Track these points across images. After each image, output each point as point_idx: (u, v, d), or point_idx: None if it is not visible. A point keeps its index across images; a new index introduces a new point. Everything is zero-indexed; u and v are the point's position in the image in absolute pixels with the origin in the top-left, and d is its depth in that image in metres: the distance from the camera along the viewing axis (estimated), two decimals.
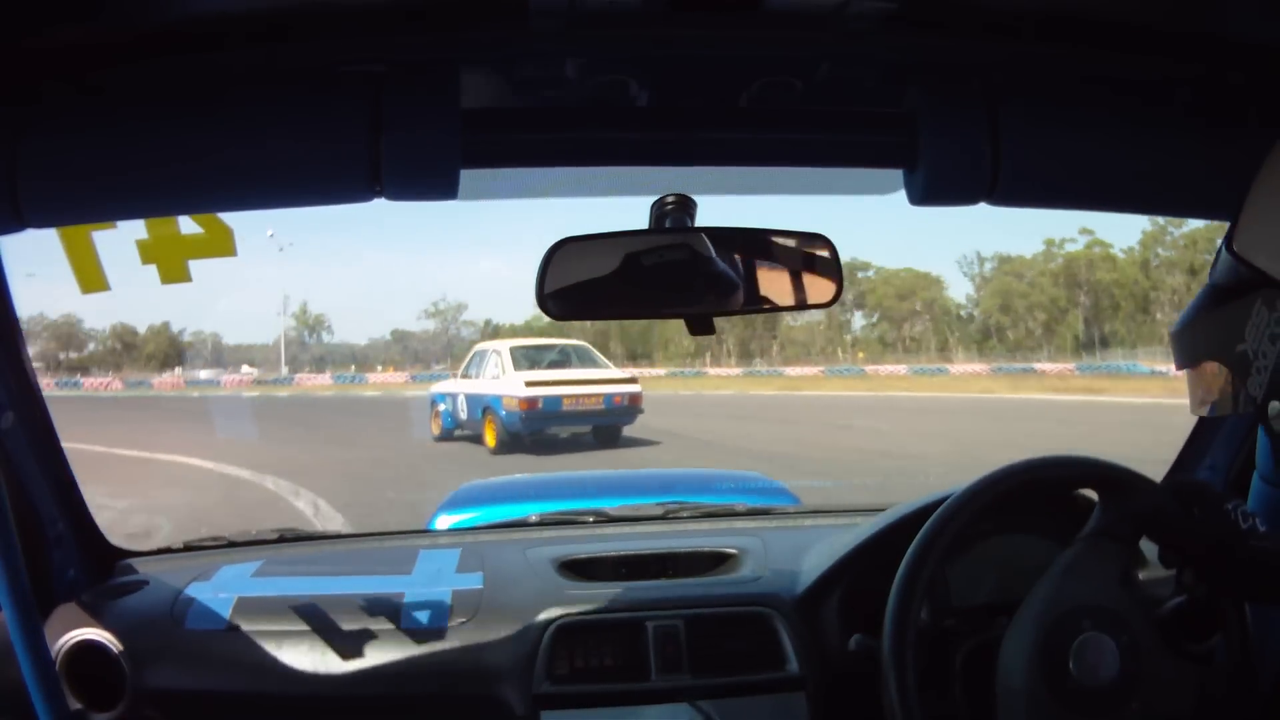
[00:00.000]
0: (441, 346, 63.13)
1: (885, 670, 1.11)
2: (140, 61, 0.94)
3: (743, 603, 1.50)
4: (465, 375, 13.98)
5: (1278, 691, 1.19)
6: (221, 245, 2.15)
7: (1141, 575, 1.45)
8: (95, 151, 0.94)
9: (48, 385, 44.25)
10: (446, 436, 13.88)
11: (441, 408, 14.20)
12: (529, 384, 12.15)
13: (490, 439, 12.47)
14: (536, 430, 12.22)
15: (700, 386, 34.75)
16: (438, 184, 0.97)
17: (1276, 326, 0.97)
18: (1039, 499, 1.39)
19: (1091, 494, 1.28)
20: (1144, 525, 1.14)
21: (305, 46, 0.95)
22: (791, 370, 45.12)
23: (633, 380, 13.33)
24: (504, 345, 14.20)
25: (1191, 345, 1.09)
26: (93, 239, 2.12)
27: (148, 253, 2.14)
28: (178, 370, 59.36)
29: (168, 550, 1.76)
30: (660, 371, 48.75)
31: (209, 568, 1.61)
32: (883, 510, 1.57)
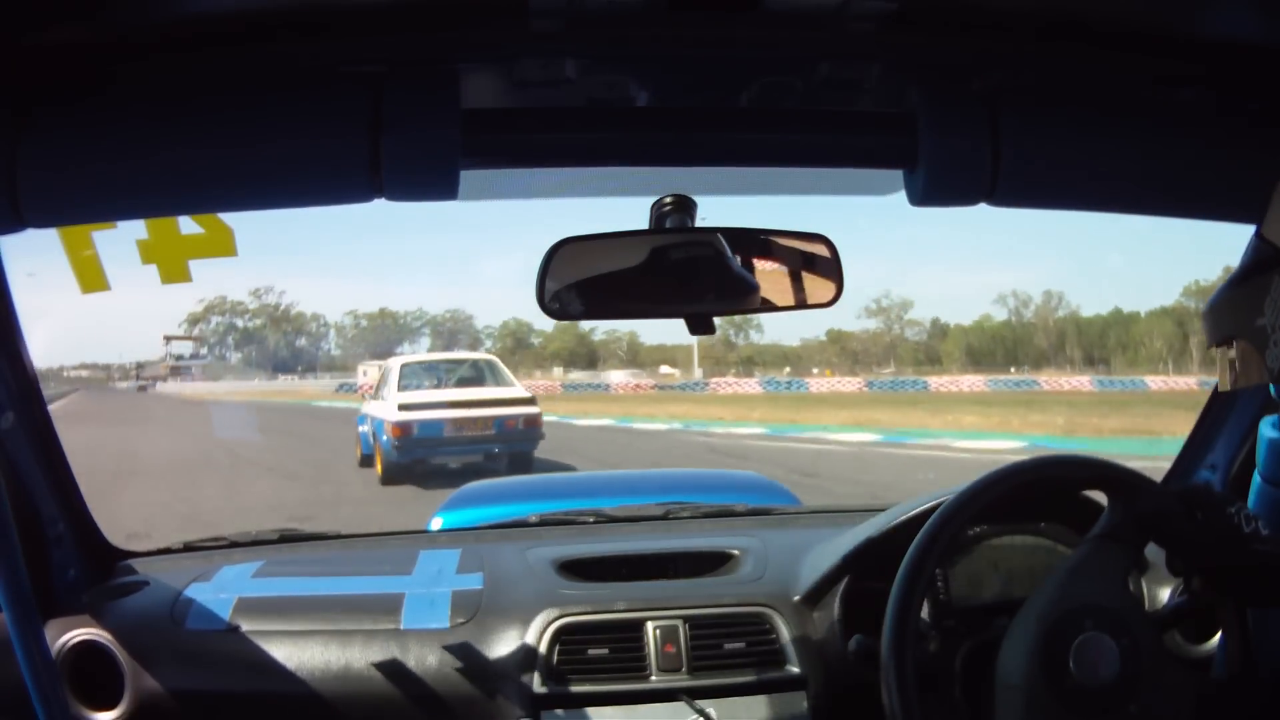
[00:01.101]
0: (883, 349, 58.13)
1: (885, 670, 1.10)
2: (140, 61, 0.94)
3: (743, 603, 1.50)
4: (376, 395, 12.08)
5: (1278, 691, 1.19)
6: (221, 245, 2.15)
7: (1143, 577, 1.45)
8: (95, 151, 0.94)
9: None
10: (368, 462, 11.77)
11: (362, 429, 12.26)
12: (401, 406, 10.49)
13: (379, 467, 10.88)
14: (417, 458, 10.53)
15: None
16: (438, 184, 0.97)
17: None
18: (1039, 500, 1.39)
19: (1093, 495, 1.28)
20: (1147, 528, 1.14)
21: (305, 46, 0.95)
22: None
23: (530, 400, 11.32)
24: (398, 361, 12.52)
25: (1217, 324, 1.10)
26: (93, 239, 2.12)
27: (148, 253, 2.14)
28: (557, 371, 54.26)
29: (168, 550, 1.76)
30: (1190, 380, 34.28)
31: (209, 568, 1.61)
32: (883, 510, 1.57)
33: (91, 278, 2.22)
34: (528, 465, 10.94)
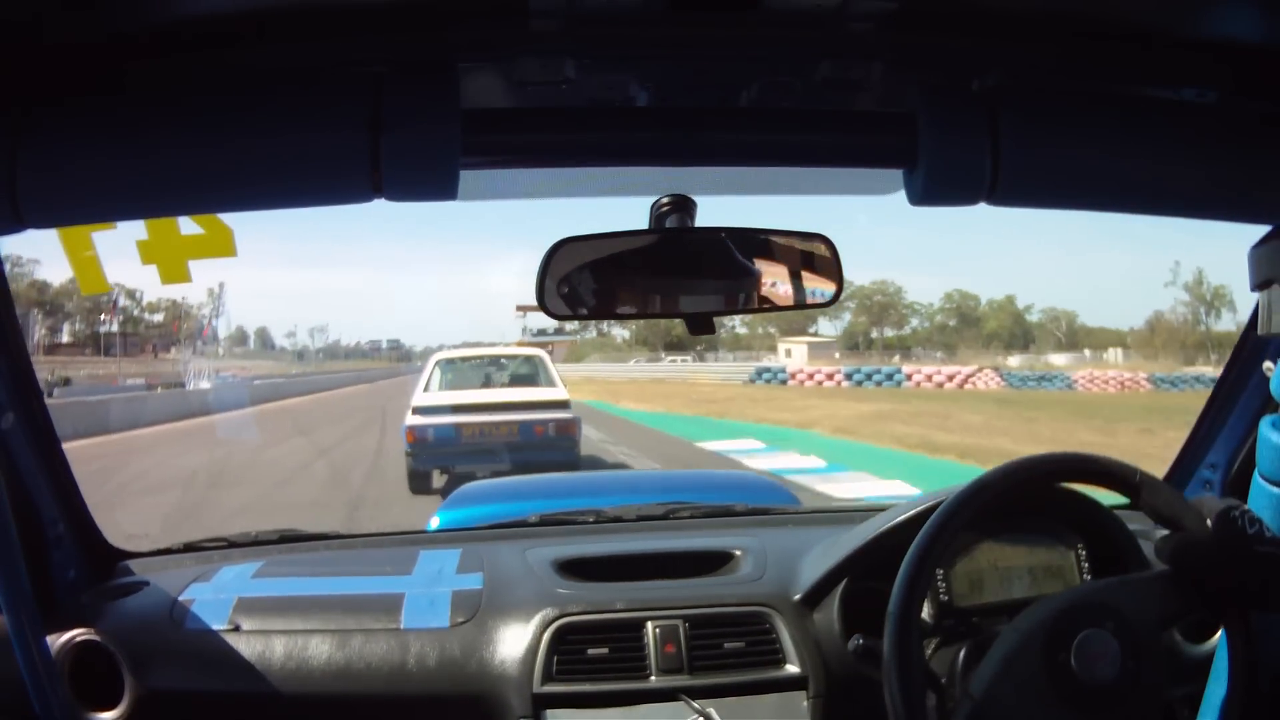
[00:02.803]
0: None
1: (887, 669, 1.10)
2: (140, 61, 0.94)
3: (743, 603, 1.50)
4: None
5: (1278, 691, 1.18)
6: (221, 245, 2.16)
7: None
8: (95, 151, 0.94)
9: (840, 379, 28.54)
10: None
11: None
12: (415, 409, 9.62)
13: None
14: (437, 466, 9.68)
15: None
16: (437, 184, 0.97)
17: None
18: (1040, 501, 1.39)
19: (1093, 495, 1.28)
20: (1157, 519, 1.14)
21: (305, 46, 0.95)
22: None
23: (563, 404, 10.01)
24: (434, 358, 11.30)
25: (1260, 266, 1.09)
26: (93, 239, 2.12)
27: (148, 253, 2.15)
28: (1008, 359, 42.07)
29: (168, 551, 1.76)
30: None
31: (209, 569, 1.62)
32: (883, 510, 1.57)
33: (92, 278, 2.22)
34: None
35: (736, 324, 58.90)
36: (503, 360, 11.77)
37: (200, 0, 0.91)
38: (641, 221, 1.17)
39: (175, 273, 2.22)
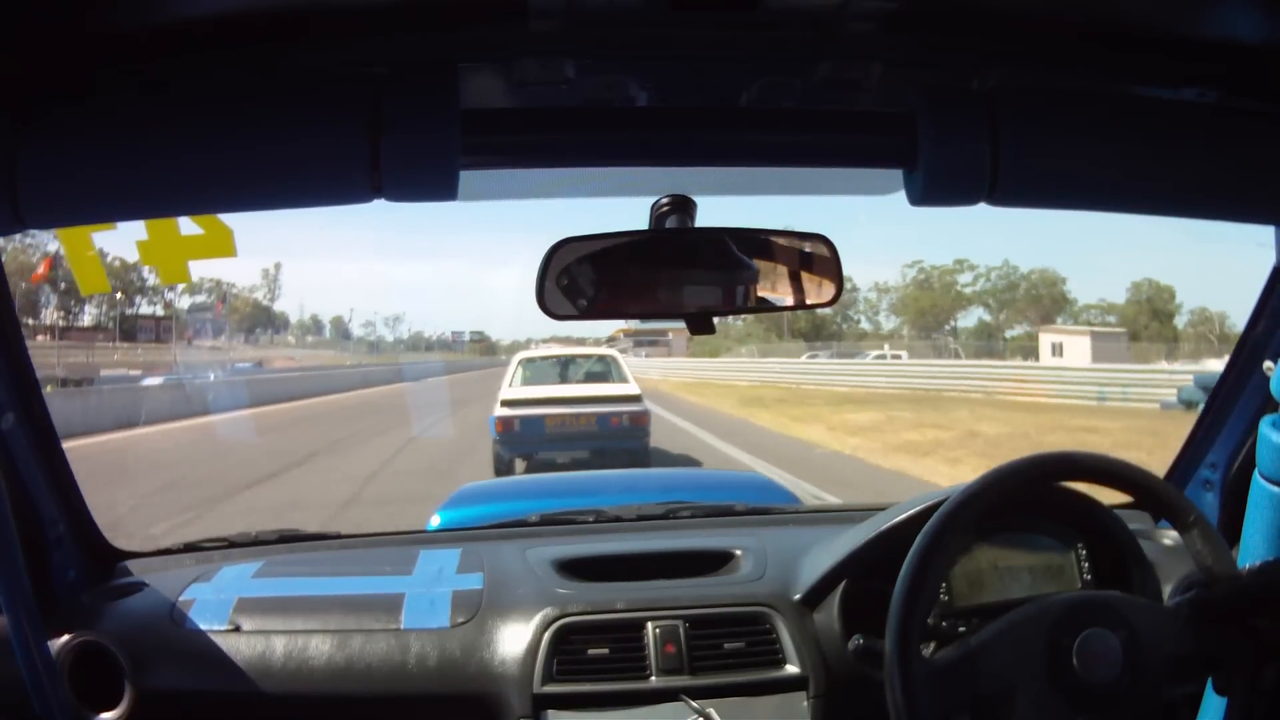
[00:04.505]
0: None
1: (890, 669, 1.10)
2: (140, 62, 0.94)
3: (743, 603, 1.50)
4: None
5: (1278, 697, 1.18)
6: (221, 245, 2.16)
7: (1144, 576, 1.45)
8: (95, 152, 0.94)
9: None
10: None
11: None
12: (504, 403, 10.58)
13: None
14: (521, 455, 10.62)
15: None
16: (437, 184, 0.97)
17: None
18: (1042, 500, 1.39)
19: (1092, 493, 1.27)
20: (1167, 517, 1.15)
21: (305, 47, 0.95)
22: None
23: (636, 398, 10.88)
24: (518, 356, 12.43)
25: None
26: (93, 239, 2.12)
27: (148, 253, 2.15)
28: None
29: (168, 551, 1.76)
30: None
31: (209, 569, 1.62)
32: (883, 510, 1.57)
33: (91, 278, 2.22)
34: (643, 464, 10.29)
35: (863, 320, 51.88)
36: (578, 359, 12.75)
37: (200, 2, 0.91)
38: (641, 221, 1.17)
39: (175, 273, 2.23)
